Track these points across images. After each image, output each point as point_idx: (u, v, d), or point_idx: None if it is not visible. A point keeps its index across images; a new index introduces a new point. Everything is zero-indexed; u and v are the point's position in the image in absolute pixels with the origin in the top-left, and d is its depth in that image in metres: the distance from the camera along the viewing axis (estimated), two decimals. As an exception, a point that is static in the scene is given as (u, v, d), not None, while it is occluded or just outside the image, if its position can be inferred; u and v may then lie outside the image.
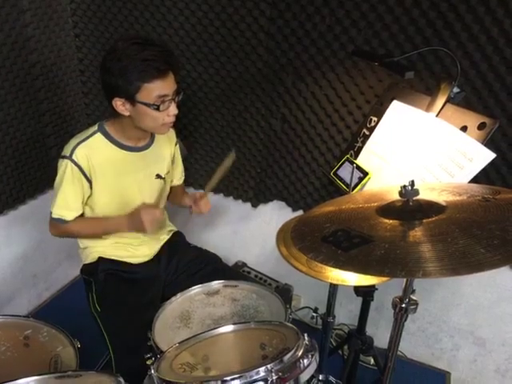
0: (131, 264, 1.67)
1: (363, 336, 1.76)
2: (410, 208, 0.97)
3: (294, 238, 1.01)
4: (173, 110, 1.45)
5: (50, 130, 2.07)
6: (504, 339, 1.94)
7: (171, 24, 1.87)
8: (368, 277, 1.32)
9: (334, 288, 1.56)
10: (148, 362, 1.26)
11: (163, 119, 1.45)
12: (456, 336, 2.03)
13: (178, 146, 1.74)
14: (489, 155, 1.19)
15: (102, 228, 1.62)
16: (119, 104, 1.42)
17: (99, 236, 1.65)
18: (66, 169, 1.49)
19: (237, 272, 2.05)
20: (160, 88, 1.39)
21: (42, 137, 2.03)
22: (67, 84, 2.10)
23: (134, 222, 1.52)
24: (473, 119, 1.28)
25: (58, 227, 1.58)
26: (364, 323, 1.74)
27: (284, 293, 2.10)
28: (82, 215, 1.60)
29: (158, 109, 1.41)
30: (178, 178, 1.83)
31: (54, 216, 1.55)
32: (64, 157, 1.49)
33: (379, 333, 2.07)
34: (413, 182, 0.99)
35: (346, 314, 2.18)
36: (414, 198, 0.99)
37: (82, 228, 1.61)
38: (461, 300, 1.95)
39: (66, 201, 1.53)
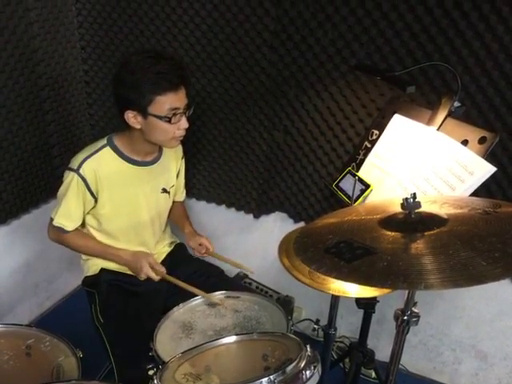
0: (133, 276, 1.68)
1: (364, 349, 1.76)
2: (411, 220, 0.99)
3: (297, 250, 1.02)
4: (184, 123, 1.47)
5: (55, 141, 2.09)
6: (506, 353, 1.93)
7: (176, 37, 1.89)
8: (370, 288, 1.32)
9: (335, 300, 1.56)
10: (150, 373, 1.26)
11: (174, 132, 1.47)
12: (457, 349, 2.02)
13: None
14: (490, 169, 1.20)
15: (100, 253, 1.66)
16: (131, 116, 1.44)
17: (94, 256, 1.68)
18: (71, 181, 1.50)
19: (239, 284, 2.05)
20: (172, 101, 1.41)
21: (46, 147, 2.05)
22: (72, 95, 2.13)
23: (133, 264, 1.58)
24: (473, 133, 1.30)
25: (57, 235, 1.61)
26: (365, 336, 1.74)
27: (285, 304, 2.10)
28: (82, 225, 1.62)
29: (169, 121, 1.43)
30: (180, 193, 1.85)
31: (55, 224, 1.57)
32: (71, 169, 1.51)
33: (381, 346, 2.07)
34: (415, 194, 1.00)
35: (347, 326, 2.17)
36: (416, 211, 1.00)
37: (81, 245, 1.64)
38: (462, 313, 1.95)
39: (69, 211, 1.55)
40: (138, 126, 1.46)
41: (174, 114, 1.43)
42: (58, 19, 1.96)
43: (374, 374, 2.01)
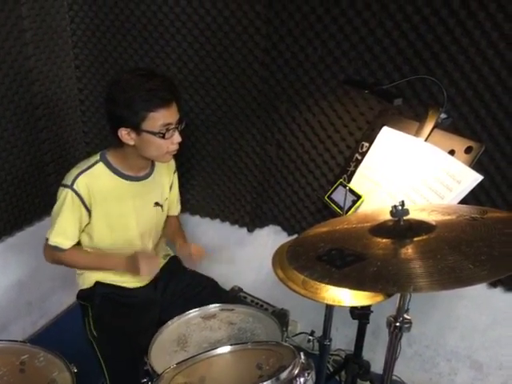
0: (128, 289, 1.68)
1: (360, 360, 1.76)
2: (401, 227, 1.01)
3: (290, 258, 1.04)
4: (177, 138, 1.49)
5: (49, 158, 2.11)
6: (500, 362, 1.93)
7: (169, 55, 1.94)
8: (363, 296, 1.34)
9: (329, 309, 1.57)
10: (145, 387, 1.26)
11: (167, 147, 1.49)
12: (453, 360, 2.03)
13: None
14: (476, 177, 1.23)
15: (97, 264, 1.66)
16: (124, 134, 1.46)
17: (93, 270, 1.67)
18: (66, 197, 1.51)
19: (233, 296, 2.06)
20: (164, 117, 1.44)
21: (41, 164, 2.07)
22: (67, 113, 2.15)
23: (131, 265, 1.58)
24: (460, 143, 1.33)
25: (54, 254, 1.60)
26: (361, 347, 1.75)
27: (280, 317, 2.10)
28: (78, 243, 1.62)
29: (163, 137, 1.45)
30: (174, 208, 1.86)
31: (51, 243, 1.57)
32: (65, 185, 1.52)
33: (377, 358, 2.06)
34: (403, 202, 1.03)
35: (342, 339, 2.17)
36: (405, 218, 1.03)
37: (78, 260, 1.64)
38: (457, 323, 1.96)
39: (64, 229, 1.56)
40: (132, 143, 1.48)
41: (167, 130, 1.45)
42: (53, 39, 1.99)
43: (370, 387, 2.00)
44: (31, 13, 1.86)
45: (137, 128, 1.44)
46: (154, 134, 1.44)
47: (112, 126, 1.49)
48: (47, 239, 1.58)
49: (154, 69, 1.94)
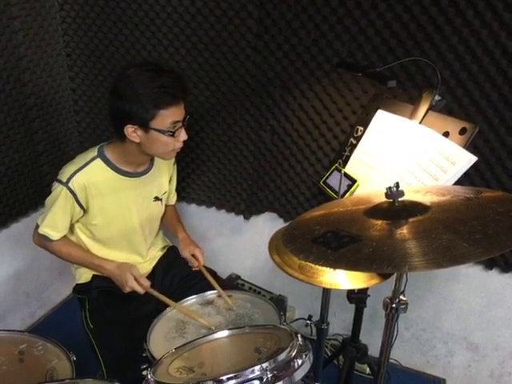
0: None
1: (357, 343, 1.77)
2: (396, 208, 1.01)
3: (286, 241, 1.04)
4: (183, 135, 1.46)
5: (42, 148, 2.09)
6: (496, 343, 1.95)
7: (161, 41, 1.91)
8: (359, 279, 1.34)
9: (327, 293, 1.58)
10: (144, 373, 1.26)
11: (174, 145, 1.46)
12: (450, 342, 2.05)
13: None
14: (471, 158, 1.23)
15: (83, 262, 1.63)
16: (131, 131, 1.41)
17: (78, 264, 1.66)
18: (60, 194, 1.48)
19: (232, 284, 2.06)
20: (174, 114, 1.40)
21: (34, 155, 2.05)
22: (59, 102, 2.13)
23: (118, 275, 1.54)
24: (454, 125, 1.33)
25: (42, 241, 1.59)
26: (358, 330, 1.76)
27: (278, 303, 2.11)
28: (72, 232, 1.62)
29: (172, 135, 1.42)
30: (172, 197, 1.85)
31: (40, 232, 1.55)
32: (60, 182, 1.48)
33: (374, 341, 2.06)
34: (398, 183, 1.03)
35: (340, 324, 2.19)
36: (400, 199, 1.03)
37: (65, 253, 1.61)
38: (452, 305, 1.97)
39: (55, 222, 1.54)
40: (138, 140, 1.43)
41: (175, 128, 1.42)
42: (43, 27, 1.97)
43: (368, 370, 2.03)
44: (20, 0, 1.83)
45: (145, 125, 1.39)
46: (162, 132, 1.40)
47: (117, 122, 1.43)
48: (38, 225, 1.57)
49: (144, 56, 1.92)
